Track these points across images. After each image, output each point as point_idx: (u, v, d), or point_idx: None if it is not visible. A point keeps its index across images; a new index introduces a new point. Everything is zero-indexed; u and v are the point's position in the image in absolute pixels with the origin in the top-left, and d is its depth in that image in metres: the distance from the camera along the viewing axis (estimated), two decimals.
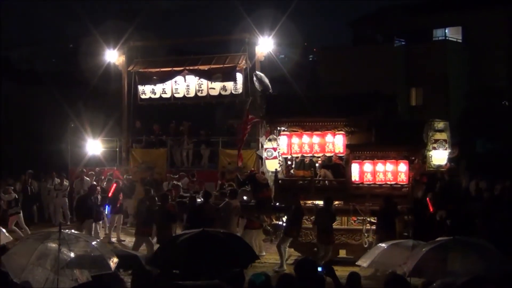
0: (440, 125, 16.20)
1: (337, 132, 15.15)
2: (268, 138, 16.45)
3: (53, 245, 7.94)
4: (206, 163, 23.35)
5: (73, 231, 8.97)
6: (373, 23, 37.57)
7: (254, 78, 17.30)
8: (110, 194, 18.17)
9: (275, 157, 16.15)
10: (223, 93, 21.75)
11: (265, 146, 16.66)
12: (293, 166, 16.20)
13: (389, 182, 14.61)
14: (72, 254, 8.01)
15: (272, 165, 16.07)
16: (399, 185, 14.56)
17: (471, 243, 8.74)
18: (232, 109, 23.70)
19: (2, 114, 27.40)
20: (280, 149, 15.75)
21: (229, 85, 21.58)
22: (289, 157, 15.98)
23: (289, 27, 25.00)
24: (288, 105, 15.78)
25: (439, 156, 16.00)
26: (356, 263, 10.65)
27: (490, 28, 32.83)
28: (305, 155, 15.53)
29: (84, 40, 30.69)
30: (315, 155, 15.48)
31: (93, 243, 8.51)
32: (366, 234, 14.52)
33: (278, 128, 16.04)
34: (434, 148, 15.93)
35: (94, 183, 19.52)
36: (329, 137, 15.19)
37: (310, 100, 15.99)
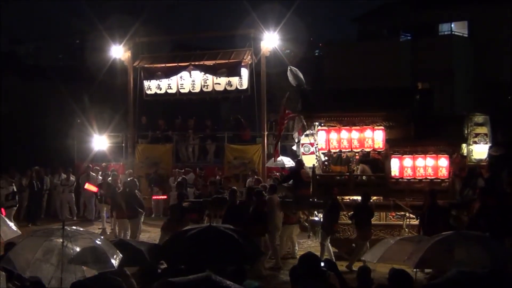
0: (480, 119, 16.01)
1: (376, 127, 14.94)
2: (305, 133, 16.37)
3: (58, 241, 8.00)
4: (212, 158, 23.44)
5: (77, 227, 9.00)
6: (379, 17, 37.41)
7: (289, 73, 16.98)
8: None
9: (312, 153, 16.06)
10: (228, 88, 21.78)
11: (301, 142, 16.59)
12: (327, 161, 15.94)
13: (429, 177, 14.46)
14: (76, 250, 8.07)
15: (309, 161, 15.93)
16: (439, 180, 14.41)
17: (474, 236, 8.81)
18: (238, 104, 23.73)
19: (8, 109, 27.45)
20: (318, 145, 15.57)
21: (235, 80, 21.61)
22: (325, 152, 15.74)
23: (295, 22, 24.97)
24: (324, 100, 15.61)
25: (480, 150, 15.82)
26: (363, 258, 10.67)
27: (496, 23, 32.67)
28: (343, 150, 15.33)
29: (90, 35, 30.77)
30: (354, 150, 15.25)
31: (97, 239, 8.55)
32: (406, 230, 14.31)
33: (315, 123, 15.83)
34: (475, 142, 15.75)
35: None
36: (368, 133, 14.98)
37: (347, 95, 15.85)
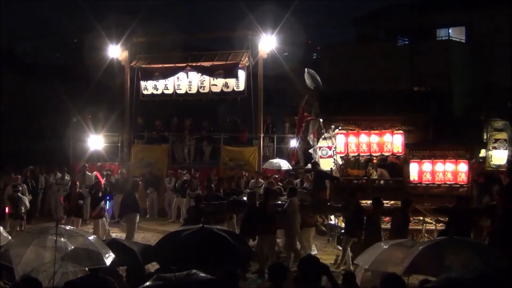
0: (499, 124, 15.94)
1: (395, 132, 14.82)
2: (322, 136, 16.29)
3: (51, 238, 8.02)
4: (207, 159, 23.44)
5: (70, 226, 9.01)
6: (376, 21, 37.49)
7: (306, 75, 16.82)
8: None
9: (330, 156, 16.00)
10: (225, 90, 21.79)
11: (319, 145, 16.51)
12: (345, 165, 15.76)
13: (448, 182, 14.39)
14: (69, 248, 8.09)
15: (326, 164, 15.89)
16: (458, 185, 14.34)
17: (466, 241, 8.80)
18: (234, 106, 23.75)
19: (5, 107, 27.43)
20: (337, 148, 15.44)
21: (231, 82, 21.62)
22: (343, 156, 15.56)
23: (292, 24, 24.99)
24: (342, 103, 15.41)
25: (499, 156, 15.73)
26: (355, 262, 10.64)
27: (493, 28, 32.78)
28: (362, 154, 15.16)
29: (88, 34, 30.74)
30: (373, 154, 15.10)
31: (90, 238, 8.56)
32: (426, 235, 14.18)
33: (332, 126, 15.74)
34: (494, 148, 15.66)
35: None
36: (387, 137, 14.86)
37: (365, 98, 15.62)
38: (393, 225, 13.60)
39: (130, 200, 16.09)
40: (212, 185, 16.96)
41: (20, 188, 17.83)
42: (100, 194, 16.72)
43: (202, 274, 6.55)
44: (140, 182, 17.23)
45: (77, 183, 18.06)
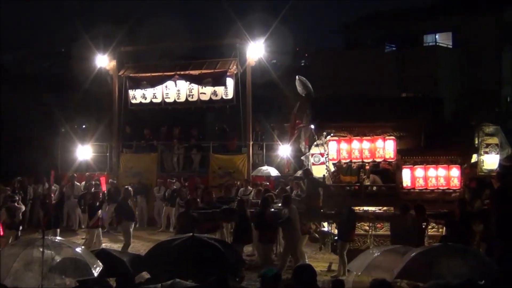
0: (490, 129, 15.93)
1: (387, 137, 14.79)
2: (314, 143, 16.27)
3: (38, 250, 7.94)
4: (196, 168, 23.36)
5: (57, 237, 8.93)
6: (364, 28, 37.67)
7: (297, 82, 16.80)
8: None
9: (322, 163, 15.94)
10: (213, 98, 21.78)
11: (311, 152, 16.49)
12: (337, 172, 15.70)
13: (441, 187, 14.38)
14: (56, 259, 8.01)
15: (319, 171, 15.85)
16: (450, 190, 14.34)
17: (459, 248, 8.79)
18: (223, 114, 23.71)
19: None
20: (329, 155, 15.36)
21: (220, 90, 21.62)
22: (335, 163, 15.50)
23: (281, 32, 25.07)
24: (333, 109, 15.35)
25: (491, 161, 15.66)
26: (348, 268, 10.61)
27: (480, 33, 33.03)
28: (354, 160, 15.10)
29: (75, 44, 30.67)
30: (365, 160, 15.05)
31: (77, 249, 8.48)
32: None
33: (324, 133, 15.69)
34: (486, 153, 15.59)
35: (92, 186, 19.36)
36: (379, 143, 14.81)
37: (356, 104, 15.58)
38: (393, 232, 13.48)
39: (124, 208, 16.02)
40: (212, 192, 17.00)
41: (17, 198, 17.68)
42: (98, 204, 16.63)
43: (187, 283, 6.59)
44: (131, 189, 17.11)
45: (52, 195, 17.88)
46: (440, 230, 14.19)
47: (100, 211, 16.67)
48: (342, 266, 13.86)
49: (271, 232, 13.96)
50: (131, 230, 16.10)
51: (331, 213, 14.74)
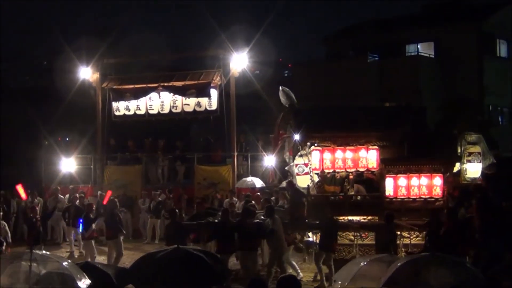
0: (472, 138, 16.10)
1: (370, 147, 14.91)
2: (299, 153, 16.29)
3: (24, 264, 7.87)
4: (181, 179, 23.31)
5: (44, 251, 8.85)
6: (346, 38, 37.91)
7: (281, 93, 16.85)
8: (105, 202, 17.67)
9: (306, 173, 15.95)
10: (197, 109, 21.80)
11: (295, 162, 16.51)
12: (321, 182, 15.72)
13: (423, 196, 14.43)
14: (43, 273, 7.95)
15: (303, 181, 15.84)
16: (433, 199, 14.38)
17: (446, 259, 8.82)
18: (207, 125, 23.71)
19: None
20: (312, 165, 15.45)
21: (204, 101, 21.63)
22: (318, 172, 15.57)
23: (263, 43, 25.16)
24: (317, 120, 15.46)
25: (474, 169, 15.86)
26: (333, 279, 10.60)
27: (461, 43, 33.39)
28: (337, 170, 15.21)
29: (58, 57, 30.54)
30: (348, 170, 15.17)
31: (64, 263, 8.42)
32: (403, 249, 14.14)
33: (308, 143, 15.72)
34: (469, 161, 15.80)
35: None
36: (362, 152, 14.95)
37: (340, 115, 15.70)
38: (377, 241, 13.58)
39: (113, 220, 15.90)
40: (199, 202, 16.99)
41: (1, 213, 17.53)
42: (92, 216, 16.52)
43: None
44: (116, 200, 17.00)
45: (37, 208, 17.65)
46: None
47: (94, 223, 16.55)
48: (320, 275, 13.87)
49: (252, 240, 13.94)
50: (121, 240, 16.04)
51: (315, 223, 14.74)
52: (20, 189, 16.91)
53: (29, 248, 8.19)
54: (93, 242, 16.51)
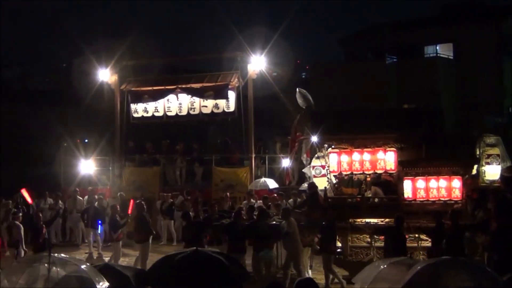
0: (491, 140, 15.97)
1: (388, 149, 14.77)
2: (316, 155, 16.25)
3: (43, 268, 7.90)
4: (199, 181, 23.34)
5: (62, 254, 8.87)
6: (364, 40, 37.79)
7: (298, 95, 16.84)
8: (130, 211, 17.72)
9: (323, 175, 15.94)
10: (215, 111, 21.84)
11: (312, 164, 16.45)
12: (338, 184, 15.67)
13: (442, 199, 14.30)
14: (61, 276, 7.98)
15: (320, 183, 15.85)
16: (452, 202, 14.23)
17: (466, 263, 8.76)
18: (225, 127, 23.75)
19: None
20: (330, 167, 15.36)
21: (222, 103, 21.67)
22: (336, 175, 15.47)
23: (281, 45, 25.06)
24: (334, 122, 15.39)
25: (492, 171, 15.74)
26: (352, 281, 10.55)
27: (480, 44, 33.15)
28: (355, 172, 15.07)
29: (77, 59, 30.75)
30: (366, 172, 15.03)
31: (82, 266, 8.44)
32: (421, 252, 14.01)
33: (325, 145, 15.70)
34: (487, 163, 15.68)
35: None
36: (380, 154, 14.80)
37: (357, 116, 15.62)
38: (387, 244, 13.48)
39: (142, 223, 15.91)
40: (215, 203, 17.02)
41: (20, 214, 17.54)
42: (118, 217, 16.59)
43: None
44: (143, 202, 16.97)
45: (40, 215, 17.62)
46: None
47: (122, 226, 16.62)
48: (325, 278, 13.89)
49: (267, 239, 14.02)
50: (149, 244, 16.06)
51: (321, 225, 14.68)
52: (25, 193, 17.11)
53: (47, 252, 8.22)
54: (120, 243, 16.62)
